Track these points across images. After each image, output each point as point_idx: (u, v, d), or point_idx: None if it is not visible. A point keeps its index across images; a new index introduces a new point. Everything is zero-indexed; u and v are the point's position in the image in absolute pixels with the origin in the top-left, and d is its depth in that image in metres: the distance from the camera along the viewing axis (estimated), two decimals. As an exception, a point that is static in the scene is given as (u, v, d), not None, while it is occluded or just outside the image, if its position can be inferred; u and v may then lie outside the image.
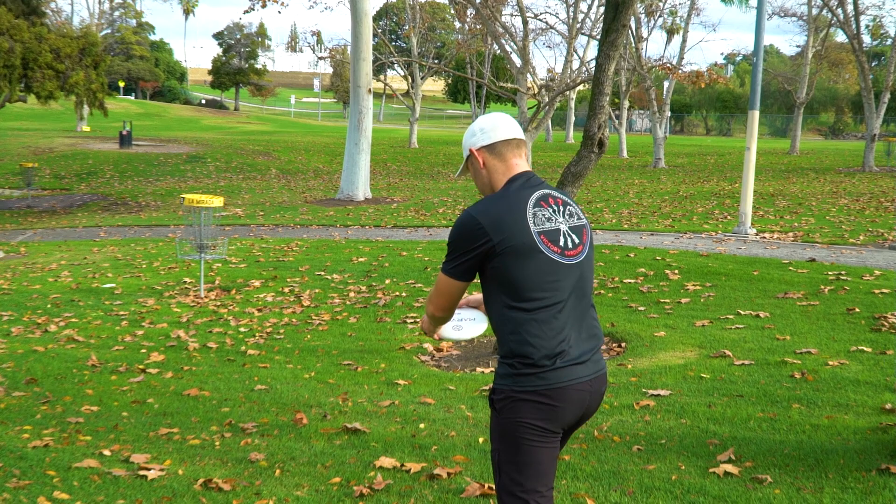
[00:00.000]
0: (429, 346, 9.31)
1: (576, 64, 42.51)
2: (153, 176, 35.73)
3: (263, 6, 28.90)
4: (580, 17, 40.97)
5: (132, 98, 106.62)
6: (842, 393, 7.13)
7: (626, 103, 46.19)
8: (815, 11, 48.26)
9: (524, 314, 3.42)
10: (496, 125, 3.68)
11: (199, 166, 39.03)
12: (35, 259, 16.58)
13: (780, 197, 25.49)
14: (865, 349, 8.45)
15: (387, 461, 5.87)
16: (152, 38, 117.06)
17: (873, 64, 75.45)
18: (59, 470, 5.89)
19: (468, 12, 40.41)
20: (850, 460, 5.70)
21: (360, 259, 15.04)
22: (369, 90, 25.83)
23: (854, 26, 36.76)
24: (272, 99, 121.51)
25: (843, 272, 12.63)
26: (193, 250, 12.76)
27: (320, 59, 62.84)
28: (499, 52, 50.18)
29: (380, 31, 50.18)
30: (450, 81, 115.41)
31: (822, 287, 11.55)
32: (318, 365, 8.75)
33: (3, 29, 28.16)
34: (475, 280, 3.62)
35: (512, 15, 38.19)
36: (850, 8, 37.15)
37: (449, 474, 5.65)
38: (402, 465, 5.81)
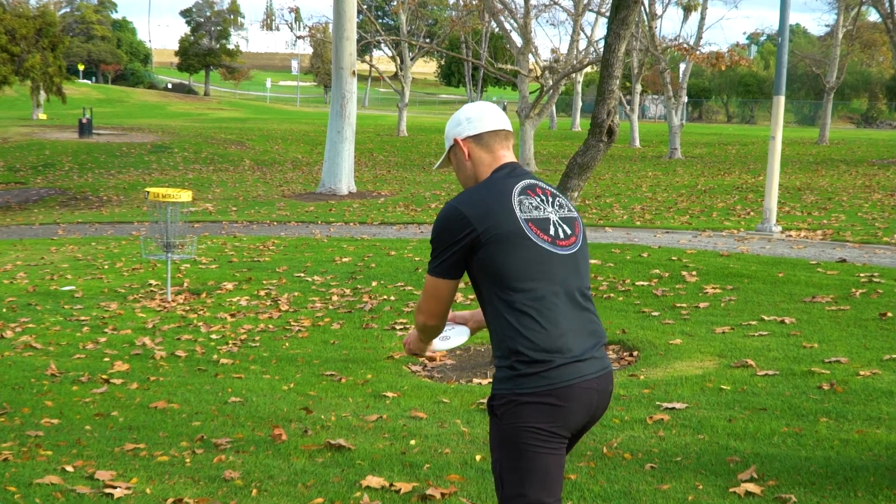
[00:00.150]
0: (420, 355, 9.34)
1: (583, 44, 42.59)
2: (115, 168, 35.72)
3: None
4: (587, -8, 41.01)
5: (92, 83, 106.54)
6: (873, 405, 7.18)
7: (639, 87, 46.26)
8: (846, -14, 48.37)
9: (517, 306, 3.47)
10: (483, 115, 3.76)
11: (165, 157, 39.02)
12: (-16, 259, 16.59)
13: (807, 191, 25.57)
14: (901, 358, 8.50)
15: (374, 481, 5.91)
16: (114, 16, 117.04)
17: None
18: (19, 486, 5.92)
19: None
20: (881, 478, 5.74)
21: (344, 259, 15.07)
22: (353, 72, 25.84)
23: (888, 4, 36.85)
24: (246, 83, 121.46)
25: (876, 274, 12.68)
26: (159, 250, 12.77)
27: (299, 38, 62.76)
28: (497, 30, 50.21)
29: (365, 6, 50.16)
30: (443, 63, 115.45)
31: (854, 290, 11.60)
32: (297, 375, 8.77)
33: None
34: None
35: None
36: (885, -18, 37.25)
37: (443, 495, 5.69)
38: (391, 486, 5.85)
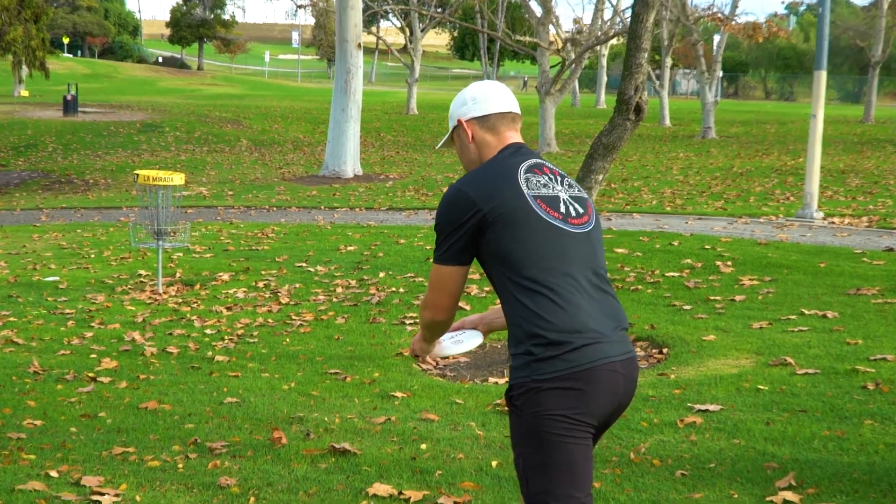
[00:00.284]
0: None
1: (608, 13, 42.50)
2: (102, 149, 35.77)
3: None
4: (613, -43, 40.89)
5: (78, 56, 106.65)
6: (925, 408, 7.16)
7: (669, 61, 46.14)
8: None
9: (531, 287, 3.51)
10: (490, 95, 3.83)
11: (155, 137, 39.06)
12: (-39, 247, 16.64)
13: (851, 174, 25.49)
14: (954, 356, 8.48)
15: (381, 488, 5.91)
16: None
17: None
18: (1, 493, 5.94)
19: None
20: (934, 487, 5.73)
21: (349, 248, 15.08)
22: (359, 45, 25.83)
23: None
24: (242, 56, 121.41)
25: (927, 264, 12.65)
26: (150, 237, 12.79)
27: (299, 7, 62.88)
28: (515, -1, 50.11)
29: (372, -26, 50.12)
30: (456, 35, 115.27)
31: (903, 282, 11.58)
32: (298, 374, 8.78)
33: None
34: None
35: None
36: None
37: (456, 503, 5.70)
38: (400, 493, 5.85)
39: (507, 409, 3.71)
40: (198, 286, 12.83)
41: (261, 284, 12.75)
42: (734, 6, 42.43)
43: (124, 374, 8.85)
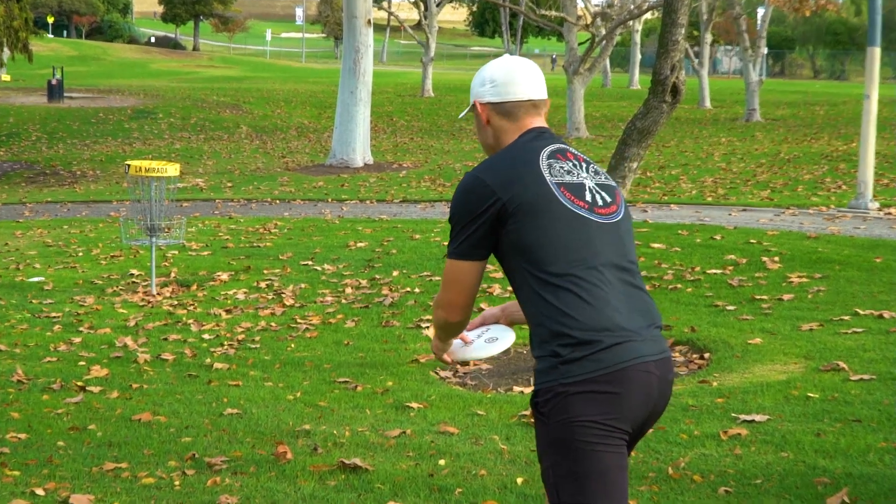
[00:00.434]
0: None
1: (641, -14, 42.42)
2: (90, 137, 35.85)
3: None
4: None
5: (63, 37, 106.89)
6: None
7: (709, 37, 46.04)
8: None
9: (555, 282, 3.52)
10: (512, 79, 3.82)
11: (148, 124, 39.14)
12: (-63, 246, 16.69)
13: (911, 160, 25.39)
14: None
15: (397, 507, 5.92)
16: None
17: None
18: (-20, 515, 5.97)
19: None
20: None
21: (360, 244, 15.08)
22: (369, 21, 25.84)
23: None
24: (241, 35, 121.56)
25: None
26: (142, 234, 12.81)
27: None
28: (540, -30, 50.12)
29: (383, -56, 50.15)
30: (475, 9, 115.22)
31: (967, 278, 11.54)
32: (304, 383, 8.79)
33: None
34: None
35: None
36: None
37: (478, 524, 5.70)
38: (418, 513, 5.86)
39: (532, 418, 3.71)
40: (194, 287, 12.86)
41: (263, 285, 12.76)
42: (780, -24, 42.31)
43: (115, 384, 8.87)
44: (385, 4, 59.42)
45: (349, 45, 25.86)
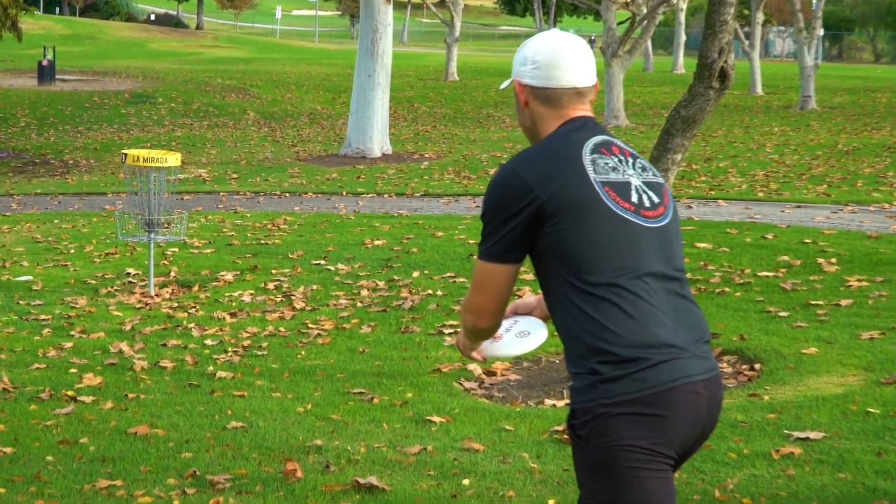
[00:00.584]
0: (476, 369, 9.33)
1: (687, -40, 42.31)
2: (84, 123, 35.96)
3: None
4: None
5: (56, 15, 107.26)
6: None
7: (760, 17, 45.93)
8: None
9: (596, 293, 3.49)
10: (556, 62, 3.77)
11: (146, 109, 39.24)
12: (-83, 241, 16.76)
13: (982, 152, 25.30)
14: None
15: (417, 531, 5.92)
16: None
17: None
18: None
19: None
20: None
21: (377, 242, 15.08)
22: (389, -1, 25.86)
23: None
24: (249, 13, 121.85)
25: None
26: (139, 229, 12.83)
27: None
28: (575, -57, 50.08)
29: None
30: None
31: None
32: (316, 394, 8.79)
33: None
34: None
35: None
36: None
37: (505, 550, 5.68)
38: (439, 538, 5.85)
39: (567, 438, 3.69)
40: (196, 288, 12.87)
41: (271, 286, 12.76)
42: (839, -50, 42.17)
43: (110, 393, 8.88)
44: (406, -21, 59.43)
45: (367, 23, 25.87)
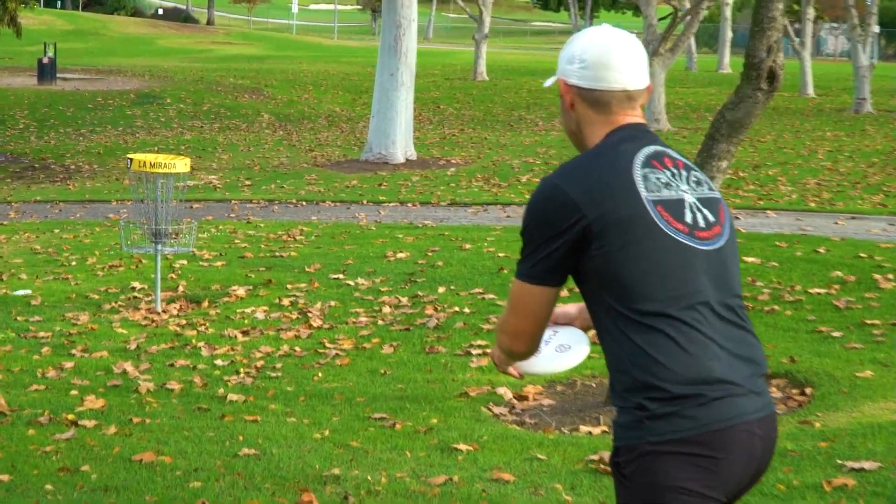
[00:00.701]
0: (506, 392, 9.32)
1: (733, -48, 42.27)
2: (87, 126, 36.08)
3: None
4: None
5: (57, 9, 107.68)
6: None
7: (811, 12, 45.86)
8: None
9: (647, 323, 3.46)
10: (606, 61, 3.69)
11: (154, 110, 39.35)
12: None
13: None
14: None
15: (441, 569, 5.91)
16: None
17: None
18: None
19: None
20: None
21: (400, 255, 15.09)
22: (414, -7, 25.87)
23: None
24: (263, 7, 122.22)
25: None
26: (145, 240, 12.86)
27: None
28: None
29: None
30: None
31: None
32: (334, 419, 8.79)
33: None
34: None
35: None
36: None
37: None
38: (466, 576, 5.84)
39: (605, 468, 3.67)
40: (206, 304, 12.88)
41: (286, 302, 12.78)
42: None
43: (113, 417, 8.90)
44: (432, -28, 59.49)
45: (389, 18, 25.89)
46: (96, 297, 13.31)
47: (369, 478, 7.37)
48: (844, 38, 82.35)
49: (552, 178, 3.58)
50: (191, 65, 57.49)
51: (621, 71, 3.67)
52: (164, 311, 12.55)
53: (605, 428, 8.49)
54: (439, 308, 12.27)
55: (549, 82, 3.93)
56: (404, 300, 12.68)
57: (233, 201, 21.21)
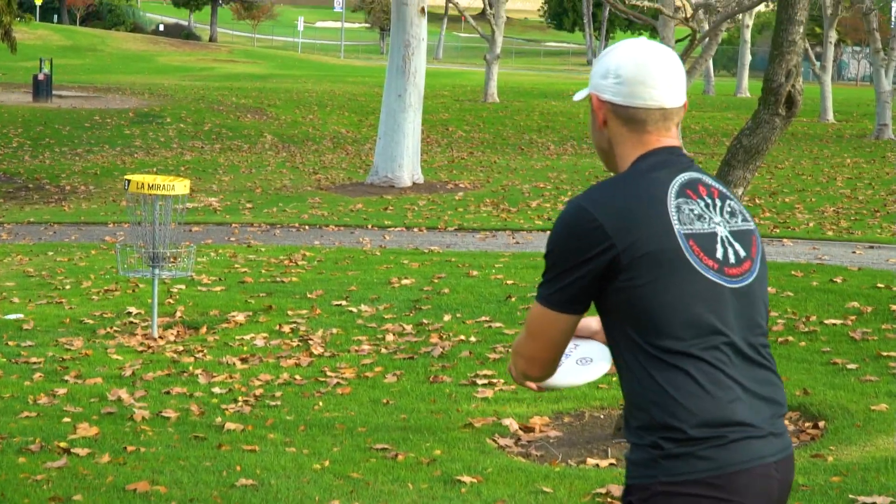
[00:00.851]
0: (512, 424, 9.35)
1: (752, -28, 42.36)
2: (83, 145, 36.09)
3: None
4: None
5: (54, 23, 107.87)
6: None
7: (833, 36, 45.85)
8: None
9: (669, 360, 3.44)
10: (644, 77, 3.62)
11: (153, 130, 39.37)
12: None
13: None
14: None
15: None
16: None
17: None
18: None
19: None
20: None
21: (405, 281, 15.11)
22: (422, 10, 25.90)
23: None
24: (268, 24, 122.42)
25: None
26: (142, 263, 12.88)
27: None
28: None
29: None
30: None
31: None
32: (334, 449, 8.81)
33: None
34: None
35: None
36: None
37: None
38: None
39: (612, 503, 3.68)
40: (204, 330, 12.90)
41: (286, 329, 12.80)
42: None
43: (107, 445, 8.91)
44: (442, -10, 59.54)
45: (398, 37, 25.92)
46: (91, 321, 13.32)
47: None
48: (867, 62, 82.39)
49: (581, 202, 3.51)
50: (192, 83, 57.54)
51: (658, 87, 3.61)
52: (160, 337, 12.57)
53: (614, 461, 8.52)
54: (444, 336, 12.29)
55: (579, 96, 3.85)
56: (408, 328, 12.70)
57: (233, 224, 21.23)
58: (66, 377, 10.96)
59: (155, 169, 29.69)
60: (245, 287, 14.99)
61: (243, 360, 11.56)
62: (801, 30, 9.81)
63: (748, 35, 65.82)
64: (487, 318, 12.96)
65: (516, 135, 40.85)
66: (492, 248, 18.24)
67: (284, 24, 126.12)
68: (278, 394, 10.36)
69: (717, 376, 3.43)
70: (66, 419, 9.58)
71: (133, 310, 13.78)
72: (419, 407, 9.89)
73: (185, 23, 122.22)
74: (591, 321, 3.94)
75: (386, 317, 13.23)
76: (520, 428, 9.30)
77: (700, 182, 3.61)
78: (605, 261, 3.43)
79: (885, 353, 11.08)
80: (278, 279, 15.46)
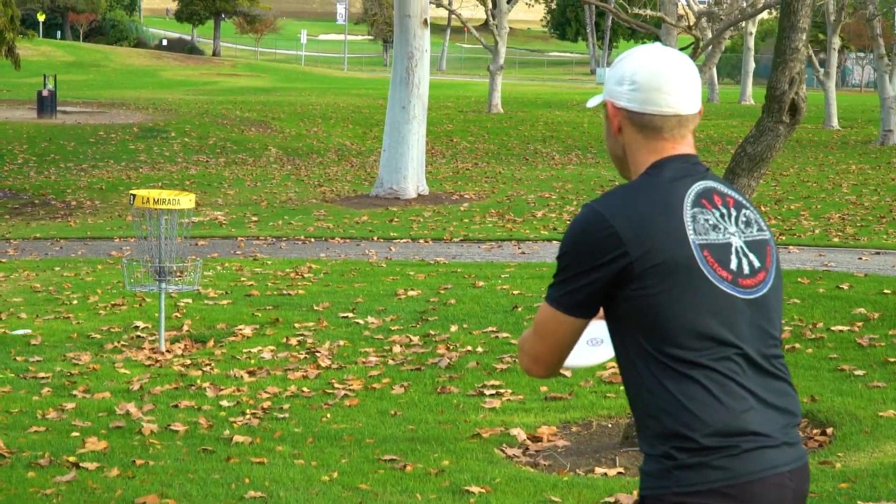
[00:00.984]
0: (519, 434, 9.36)
1: (755, -21, 42.36)
2: (88, 160, 36.11)
3: None
4: None
5: (58, 39, 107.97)
6: None
7: (837, 42, 45.84)
8: None
9: (682, 370, 3.43)
10: (660, 84, 3.61)
11: (157, 145, 39.39)
12: None
13: None
14: None
15: None
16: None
17: None
18: None
19: None
20: None
21: (411, 292, 15.12)
22: (425, 21, 25.92)
23: None
24: (271, 37, 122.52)
25: None
26: (149, 278, 12.90)
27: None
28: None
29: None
30: (554, 7, 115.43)
31: None
32: (342, 461, 8.82)
33: None
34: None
35: None
36: None
37: None
38: None
39: None
40: (211, 343, 12.92)
41: (294, 341, 12.81)
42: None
43: (115, 459, 8.92)
44: (445, 1, 59.64)
45: (401, 49, 25.94)
46: (98, 336, 13.34)
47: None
48: (871, 68, 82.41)
49: (596, 207, 3.50)
50: (196, 97, 57.57)
51: (674, 94, 3.60)
52: (168, 351, 12.59)
53: (622, 469, 8.53)
54: (451, 347, 12.29)
55: (593, 102, 3.82)
56: (415, 339, 12.70)
57: (239, 238, 21.24)
58: (75, 392, 10.98)
59: (160, 183, 29.72)
60: (252, 300, 14.99)
61: (251, 373, 11.57)
62: (804, 37, 9.80)
63: (752, 42, 65.86)
64: (494, 329, 12.97)
65: (521, 145, 40.86)
66: (497, 258, 18.24)
67: (287, 37, 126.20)
68: (286, 406, 10.37)
69: (729, 386, 3.42)
70: (75, 433, 9.59)
71: (140, 324, 13.79)
72: (427, 418, 9.90)
73: (189, 37, 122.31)
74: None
75: (393, 328, 13.24)
76: (528, 438, 9.31)
77: (715, 191, 3.61)
78: (617, 268, 3.43)
79: (892, 360, 11.08)
80: (285, 292, 15.47)
